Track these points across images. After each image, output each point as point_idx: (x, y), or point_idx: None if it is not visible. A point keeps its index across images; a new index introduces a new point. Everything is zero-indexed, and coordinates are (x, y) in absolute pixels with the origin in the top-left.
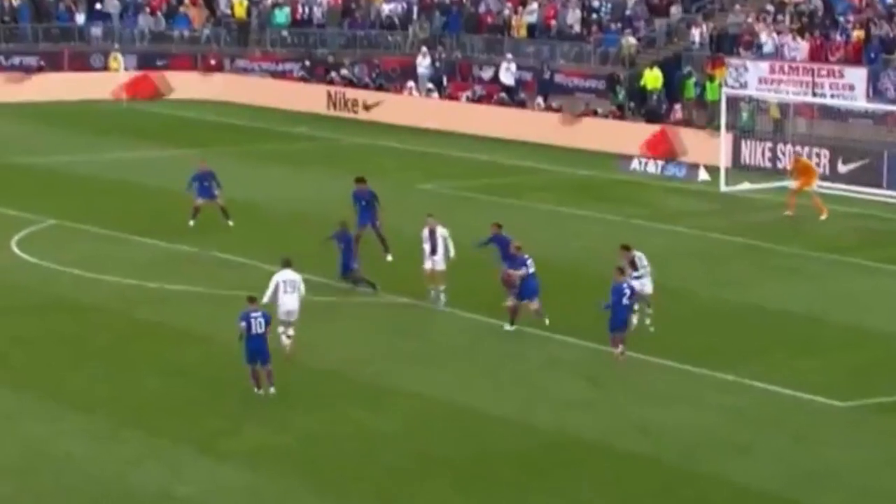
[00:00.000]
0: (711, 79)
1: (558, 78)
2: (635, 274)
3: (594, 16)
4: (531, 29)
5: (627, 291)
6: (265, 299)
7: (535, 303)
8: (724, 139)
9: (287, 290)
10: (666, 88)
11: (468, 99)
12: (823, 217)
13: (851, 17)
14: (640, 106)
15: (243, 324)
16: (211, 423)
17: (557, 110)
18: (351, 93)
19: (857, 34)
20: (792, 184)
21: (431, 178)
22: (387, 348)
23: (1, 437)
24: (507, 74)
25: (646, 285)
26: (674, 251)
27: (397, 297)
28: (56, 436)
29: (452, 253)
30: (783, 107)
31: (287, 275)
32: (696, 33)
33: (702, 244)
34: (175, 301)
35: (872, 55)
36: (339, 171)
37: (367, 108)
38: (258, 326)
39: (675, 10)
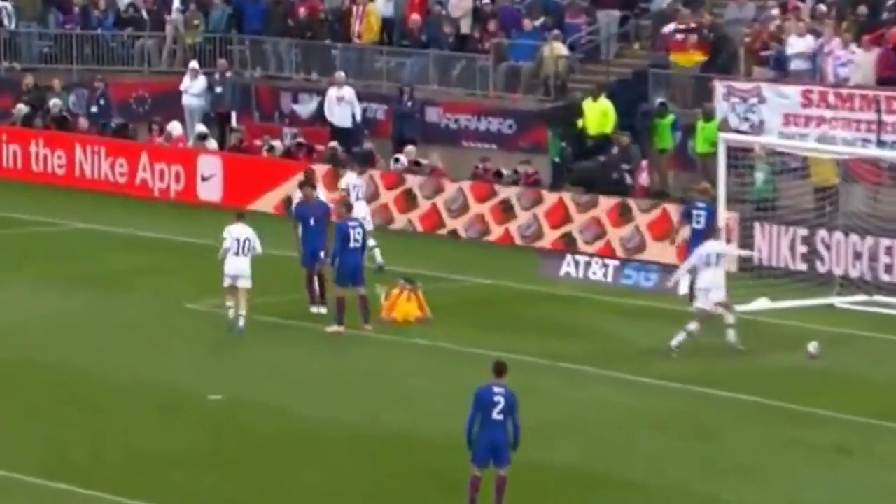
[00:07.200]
0: (708, 118)
1: (432, 115)
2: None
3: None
4: (383, 29)
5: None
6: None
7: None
8: (726, 220)
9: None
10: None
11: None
12: None
13: None
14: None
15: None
16: None
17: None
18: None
19: None
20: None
21: None
22: None
23: None
24: (340, 108)
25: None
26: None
27: None
28: None
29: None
30: (840, 166)
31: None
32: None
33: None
34: None
35: None
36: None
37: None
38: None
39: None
